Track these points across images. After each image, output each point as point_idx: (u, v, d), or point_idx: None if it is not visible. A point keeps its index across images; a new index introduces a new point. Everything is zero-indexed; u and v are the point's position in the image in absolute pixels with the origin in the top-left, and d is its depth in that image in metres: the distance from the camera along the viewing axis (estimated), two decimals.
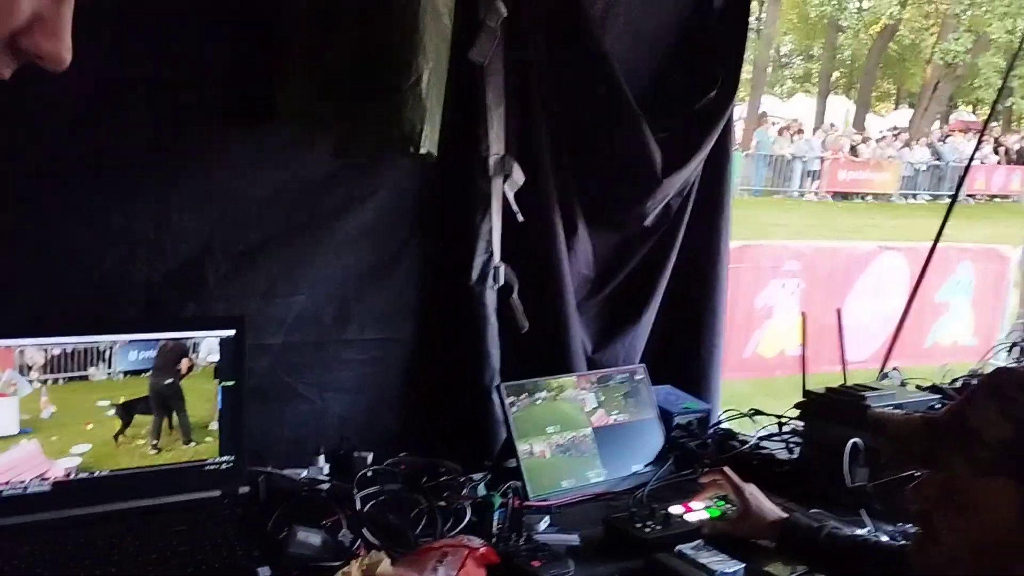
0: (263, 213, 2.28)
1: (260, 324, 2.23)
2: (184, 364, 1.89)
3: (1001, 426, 1.24)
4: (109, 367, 1.79)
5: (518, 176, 2.59)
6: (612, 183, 2.83)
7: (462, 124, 2.46)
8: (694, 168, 2.96)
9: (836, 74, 37.45)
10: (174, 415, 1.88)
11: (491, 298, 2.58)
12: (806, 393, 2.46)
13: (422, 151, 2.31)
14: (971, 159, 8.45)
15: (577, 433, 2.32)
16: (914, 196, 21.72)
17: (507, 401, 2.25)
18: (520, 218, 2.59)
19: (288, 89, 2.14)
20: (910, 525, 1.94)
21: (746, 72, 31.85)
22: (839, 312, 2.77)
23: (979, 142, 7.55)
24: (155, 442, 1.86)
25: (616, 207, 2.89)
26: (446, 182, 2.53)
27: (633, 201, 2.86)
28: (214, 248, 2.21)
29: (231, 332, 1.93)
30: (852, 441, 2.23)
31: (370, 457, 2.17)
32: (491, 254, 2.57)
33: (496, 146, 2.56)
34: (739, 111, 29.82)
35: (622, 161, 2.80)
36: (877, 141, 24.41)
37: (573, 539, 1.92)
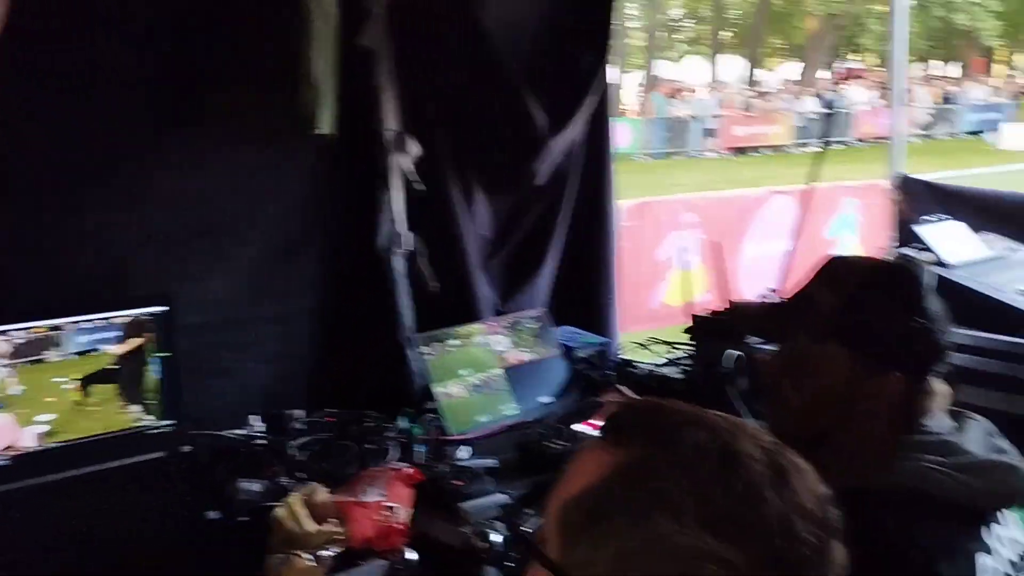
0: (183, 207, 2.45)
1: (183, 307, 2.39)
2: (136, 339, 2.09)
3: (832, 300, 1.50)
4: (63, 350, 2.00)
5: (414, 149, 2.79)
6: (502, 148, 3.06)
7: (358, 104, 2.66)
8: (576, 129, 3.21)
9: (726, 34, 38.31)
10: (129, 384, 2.08)
11: (400, 264, 2.78)
12: (693, 317, 2.72)
13: (321, 131, 2.51)
14: (831, 109, 8.90)
15: (489, 373, 2.55)
16: (807, 145, 22.45)
17: (421, 350, 2.47)
18: (420, 187, 2.80)
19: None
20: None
21: (639, 39, 32.49)
22: (717, 245, 3.05)
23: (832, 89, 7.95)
24: (121, 405, 2.08)
25: (508, 170, 3.12)
26: (349, 159, 2.73)
27: (523, 163, 3.09)
28: (138, 241, 2.38)
29: (163, 308, 2.12)
30: (733, 353, 2.51)
31: (300, 414, 2.36)
32: (396, 223, 2.77)
33: (391, 122, 2.75)
34: (636, 77, 30.37)
35: (509, 126, 3.03)
36: (763, 95, 25.15)
37: (492, 462, 2.15)
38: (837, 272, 1.54)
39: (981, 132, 24.65)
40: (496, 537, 1.84)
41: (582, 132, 3.25)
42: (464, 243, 2.96)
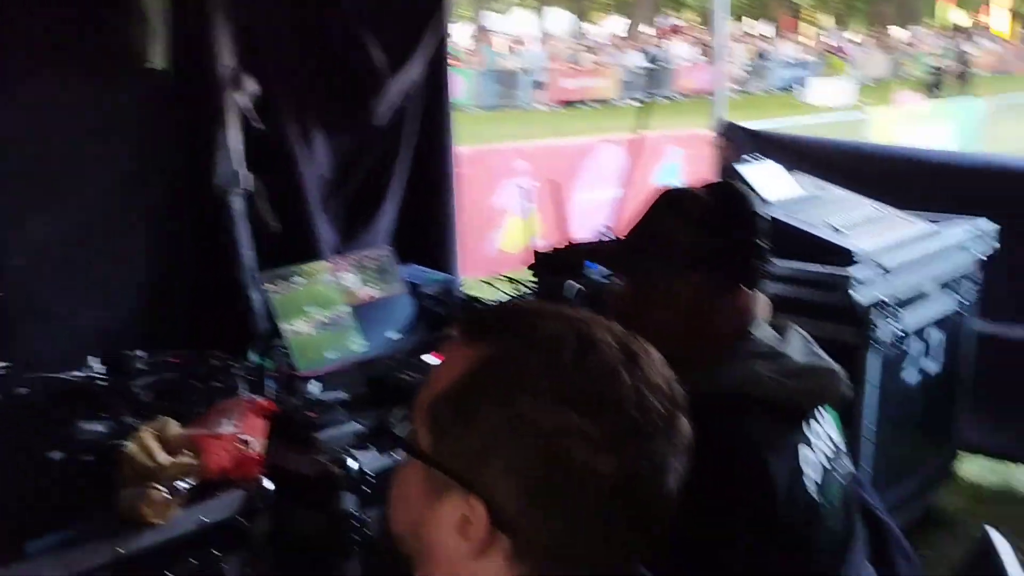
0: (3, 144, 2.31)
1: (10, 248, 2.29)
2: None
3: (685, 229, 1.58)
4: None
5: (251, 87, 2.74)
6: (341, 87, 3.04)
7: (192, 39, 2.58)
8: (416, 69, 3.22)
9: None
10: None
11: (239, 204, 2.73)
12: (535, 253, 2.81)
13: (153, 65, 2.43)
14: (655, 64, 9.23)
15: (336, 311, 2.56)
16: (633, 98, 23.11)
17: (266, 288, 2.45)
18: (258, 126, 2.75)
19: None
20: None
21: None
22: (556, 185, 3.15)
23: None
24: None
25: (347, 109, 3.10)
26: (185, 96, 2.65)
27: (362, 103, 3.08)
28: None
29: None
30: (574, 286, 2.62)
31: (142, 354, 2.30)
32: (233, 162, 2.72)
33: (227, 59, 2.68)
34: (467, 29, 30.29)
35: (347, 65, 3.02)
36: (590, 49, 25.68)
37: (343, 395, 2.17)
38: (680, 203, 1.62)
39: (791, 88, 26.05)
40: (352, 464, 1.88)
41: (421, 75, 3.27)
42: (303, 183, 2.94)
